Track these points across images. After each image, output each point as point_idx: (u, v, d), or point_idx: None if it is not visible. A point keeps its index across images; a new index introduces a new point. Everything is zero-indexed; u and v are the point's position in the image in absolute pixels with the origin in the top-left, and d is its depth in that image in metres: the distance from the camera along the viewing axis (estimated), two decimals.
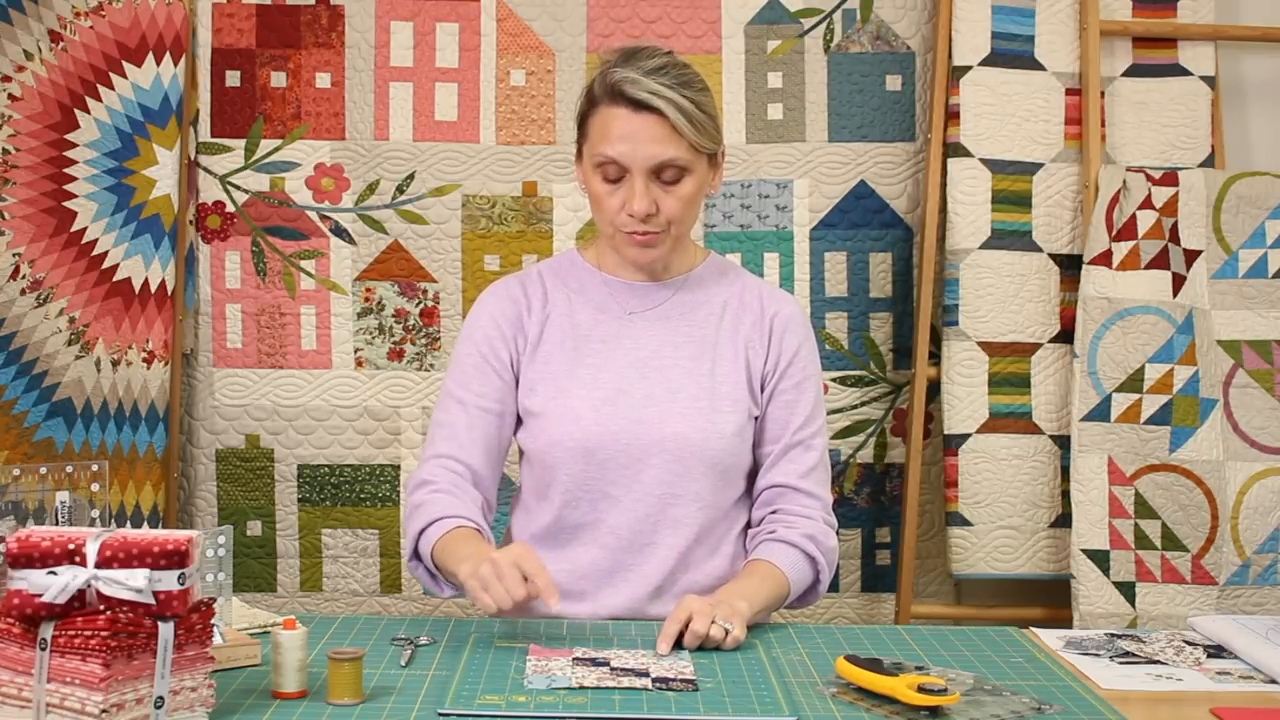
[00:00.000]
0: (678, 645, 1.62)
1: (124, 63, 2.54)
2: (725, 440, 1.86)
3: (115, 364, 2.54)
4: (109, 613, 1.27)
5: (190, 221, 2.64)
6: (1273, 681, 1.56)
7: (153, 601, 1.28)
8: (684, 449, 1.84)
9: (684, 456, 1.84)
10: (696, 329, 1.91)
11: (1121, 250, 2.53)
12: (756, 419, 1.91)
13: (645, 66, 1.80)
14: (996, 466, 2.57)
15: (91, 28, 2.53)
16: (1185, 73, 2.65)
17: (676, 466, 1.85)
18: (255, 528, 2.66)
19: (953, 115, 2.60)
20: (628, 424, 1.85)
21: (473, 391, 1.89)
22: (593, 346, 1.90)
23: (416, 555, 1.82)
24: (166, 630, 1.28)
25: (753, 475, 1.94)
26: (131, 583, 1.27)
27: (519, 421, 1.93)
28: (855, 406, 2.68)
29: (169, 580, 1.28)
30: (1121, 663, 1.62)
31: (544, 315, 1.93)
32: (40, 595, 1.27)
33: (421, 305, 2.66)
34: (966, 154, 2.59)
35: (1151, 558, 2.49)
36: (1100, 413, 2.50)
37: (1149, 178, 2.54)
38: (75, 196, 2.52)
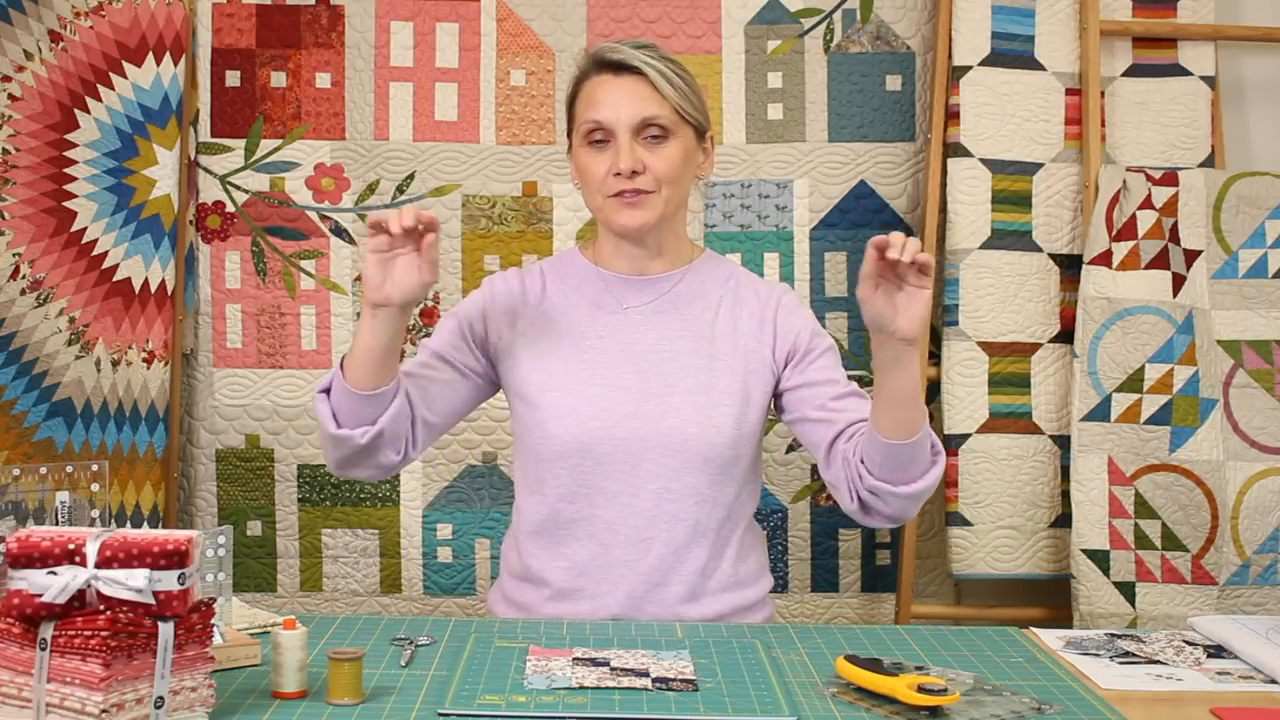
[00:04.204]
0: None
1: (124, 63, 2.54)
2: (722, 434, 1.86)
3: (115, 364, 2.54)
4: (109, 613, 1.27)
5: (190, 221, 2.64)
6: (1273, 681, 1.56)
7: (153, 601, 1.28)
8: (681, 444, 1.85)
9: (681, 451, 1.85)
10: (693, 323, 1.92)
11: (1121, 250, 2.53)
12: (777, 397, 1.93)
13: (628, 42, 1.91)
14: (996, 466, 2.57)
15: (91, 28, 2.53)
16: (1185, 73, 2.65)
17: (673, 461, 1.85)
18: (255, 528, 2.67)
19: (953, 115, 2.60)
20: (624, 419, 1.86)
21: (438, 343, 1.94)
22: (590, 341, 1.91)
23: (326, 390, 1.82)
24: (166, 630, 1.28)
25: (756, 480, 1.95)
26: (131, 583, 1.27)
27: (515, 416, 1.95)
28: None
29: (169, 580, 1.28)
30: (1121, 663, 1.62)
31: (540, 309, 1.94)
32: (40, 595, 1.27)
33: (421, 305, 2.66)
34: (966, 154, 2.59)
35: (1151, 558, 2.49)
36: (1100, 413, 2.50)
37: (1149, 178, 2.54)
38: (75, 196, 2.52)
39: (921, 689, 1.37)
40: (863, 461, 1.80)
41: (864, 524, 1.89)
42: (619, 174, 1.84)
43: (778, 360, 1.92)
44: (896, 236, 1.65)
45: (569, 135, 1.95)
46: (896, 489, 1.78)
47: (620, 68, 1.87)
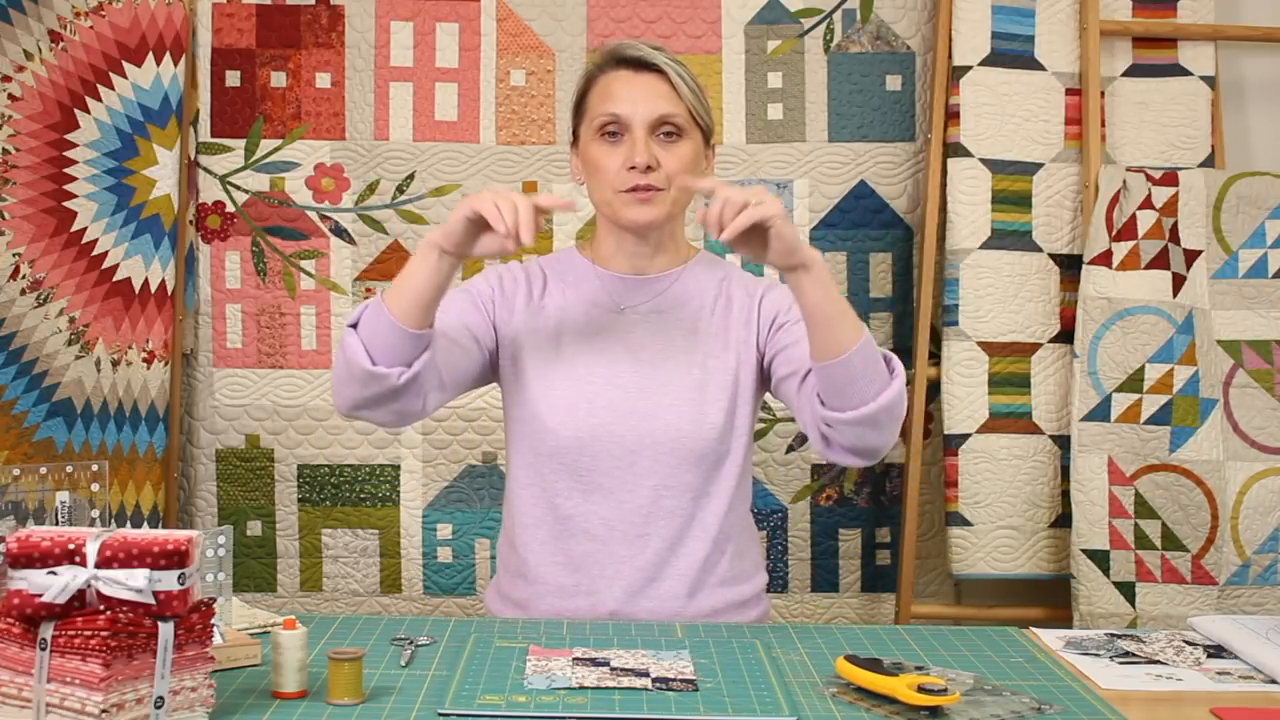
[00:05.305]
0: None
1: (124, 63, 2.54)
2: (715, 431, 1.88)
3: (115, 364, 2.54)
4: (109, 613, 1.27)
5: (190, 221, 2.64)
6: (1273, 681, 1.55)
7: (153, 601, 1.28)
8: (675, 440, 1.87)
9: (675, 448, 1.87)
10: (688, 323, 1.94)
11: (1121, 250, 2.53)
12: (766, 368, 1.92)
13: (643, 42, 1.93)
14: (996, 466, 2.57)
15: (91, 28, 2.53)
16: (1185, 73, 2.65)
17: (668, 458, 1.87)
18: (255, 528, 2.66)
19: (953, 115, 2.60)
20: (621, 416, 1.87)
21: (452, 311, 1.88)
22: (587, 340, 1.93)
23: (355, 325, 1.75)
24: (166, 630, 1.28)
25: (748, 471, 1.96)
26: (131, 583, 1.27)
27: (512, 414, 1.95)
28: None
29: (169, 580, 1.28)
30: (1121, 663, 1.62)
31: (540, 304, 1.96)
32: (40, 595, 1.27)
33: None
34: (966, 154, 2.59)
35: (1151, 558, 2.49)
36: (1100, 413, 2.50)
37: (1149, 178, 2.54)
38: (75, 196, 2.52)
39: (921, 689, 1.37)
40: (817, 394, 1.79)
41: (835, 462, 1.84)
42: (633, 168, 1.85)
43: (761, 339, 1.93)
44: (714, 215, 1.65)
45: (574, 130, 1.96)
46: (844, 414, 1.74)
47: (640, 65, 1.89)
